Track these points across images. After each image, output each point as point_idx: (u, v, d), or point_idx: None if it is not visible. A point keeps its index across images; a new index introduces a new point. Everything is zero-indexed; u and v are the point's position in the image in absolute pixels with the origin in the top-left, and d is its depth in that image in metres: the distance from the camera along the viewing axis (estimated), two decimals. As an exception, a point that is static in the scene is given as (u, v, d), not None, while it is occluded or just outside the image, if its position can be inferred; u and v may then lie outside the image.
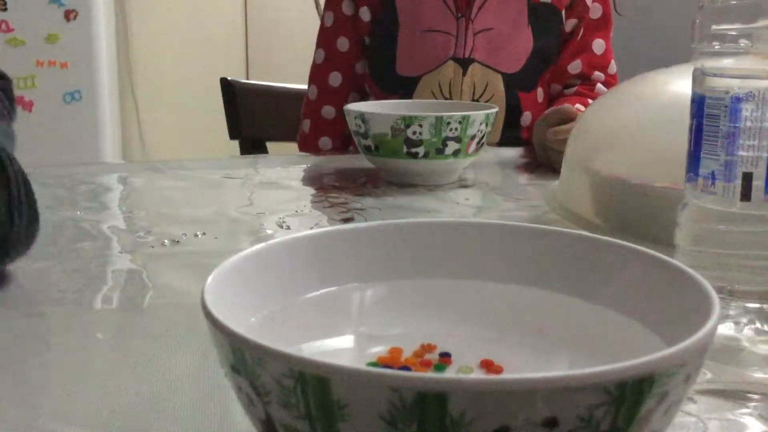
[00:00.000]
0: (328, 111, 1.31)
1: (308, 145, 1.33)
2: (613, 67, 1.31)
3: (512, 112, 1.26)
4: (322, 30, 1.33)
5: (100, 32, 2.85)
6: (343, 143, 1.32)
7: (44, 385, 0.43)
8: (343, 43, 1.30)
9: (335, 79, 1.31)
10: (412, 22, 1.23)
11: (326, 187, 0.96)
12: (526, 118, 1.28)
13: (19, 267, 0.64)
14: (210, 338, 0.29)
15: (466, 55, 1.22)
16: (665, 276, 0.35)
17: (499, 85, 1.24)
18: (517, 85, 1.26)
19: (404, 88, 1.24)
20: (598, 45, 1.29)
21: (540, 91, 1.30)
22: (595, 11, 1.28)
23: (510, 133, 1.27)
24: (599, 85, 1.29)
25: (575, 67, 1.29)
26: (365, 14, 1.27)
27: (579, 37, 1.28)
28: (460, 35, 1.21)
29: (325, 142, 1.32)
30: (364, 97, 1.33)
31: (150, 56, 3.26)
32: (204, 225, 0.76)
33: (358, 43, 1.30)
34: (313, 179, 1.01)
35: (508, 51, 1.24)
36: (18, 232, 0.55)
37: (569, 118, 1.00)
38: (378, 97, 1.28)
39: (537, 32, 1.24)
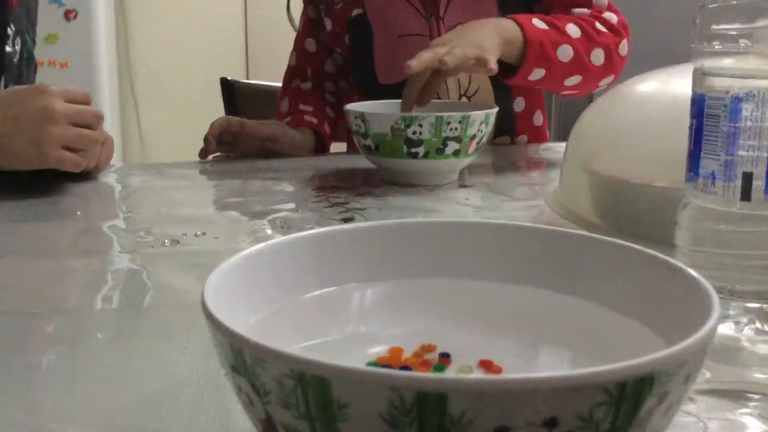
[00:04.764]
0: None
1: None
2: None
3: (504, 99, 1.23)
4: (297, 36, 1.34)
5: (100, 32, 2.86)
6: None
7: (44, 385, 0.43)
8: (310, 44, 1.31)
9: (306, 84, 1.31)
10: (385, 28, 1.22)
11: (326, 187, 0.96)
12: (519, 102, 1.27)
13: (19, 266, 0.64)
14: (210, 338, 0.29)
15: None
16: (665, 276, 0.35)
17: (483, 77, 1.21)
18: (501, 74, 1.23)
19: (389, 97, 1.20)
20: None
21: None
22: None
23: (504, 123, 1.25)
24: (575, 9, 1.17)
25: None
26: (328, 24, 1.27)
27: None
28: (433, 35, 1.19)
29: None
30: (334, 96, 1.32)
31: (150, 56, 3.27)
32: (204, 225, 0.76)
33: (323, 45, 1.30)
34: (313, 179, 1.01)
35: None
36: None
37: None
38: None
39: None
